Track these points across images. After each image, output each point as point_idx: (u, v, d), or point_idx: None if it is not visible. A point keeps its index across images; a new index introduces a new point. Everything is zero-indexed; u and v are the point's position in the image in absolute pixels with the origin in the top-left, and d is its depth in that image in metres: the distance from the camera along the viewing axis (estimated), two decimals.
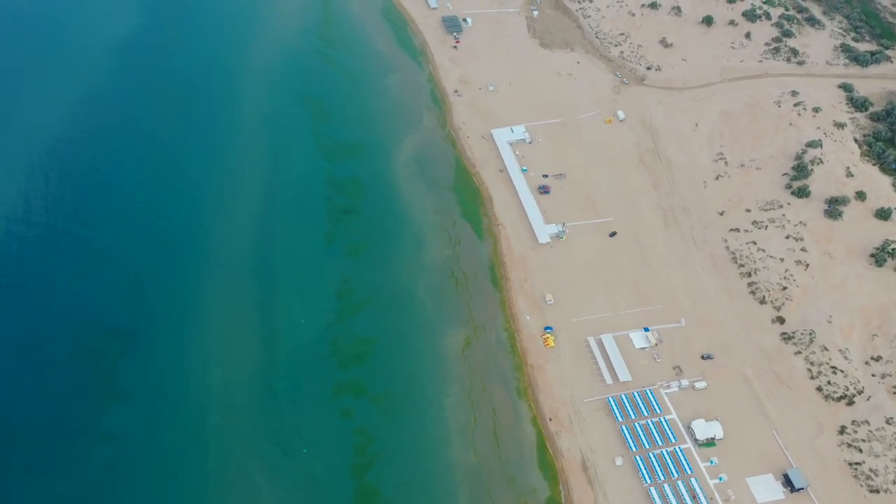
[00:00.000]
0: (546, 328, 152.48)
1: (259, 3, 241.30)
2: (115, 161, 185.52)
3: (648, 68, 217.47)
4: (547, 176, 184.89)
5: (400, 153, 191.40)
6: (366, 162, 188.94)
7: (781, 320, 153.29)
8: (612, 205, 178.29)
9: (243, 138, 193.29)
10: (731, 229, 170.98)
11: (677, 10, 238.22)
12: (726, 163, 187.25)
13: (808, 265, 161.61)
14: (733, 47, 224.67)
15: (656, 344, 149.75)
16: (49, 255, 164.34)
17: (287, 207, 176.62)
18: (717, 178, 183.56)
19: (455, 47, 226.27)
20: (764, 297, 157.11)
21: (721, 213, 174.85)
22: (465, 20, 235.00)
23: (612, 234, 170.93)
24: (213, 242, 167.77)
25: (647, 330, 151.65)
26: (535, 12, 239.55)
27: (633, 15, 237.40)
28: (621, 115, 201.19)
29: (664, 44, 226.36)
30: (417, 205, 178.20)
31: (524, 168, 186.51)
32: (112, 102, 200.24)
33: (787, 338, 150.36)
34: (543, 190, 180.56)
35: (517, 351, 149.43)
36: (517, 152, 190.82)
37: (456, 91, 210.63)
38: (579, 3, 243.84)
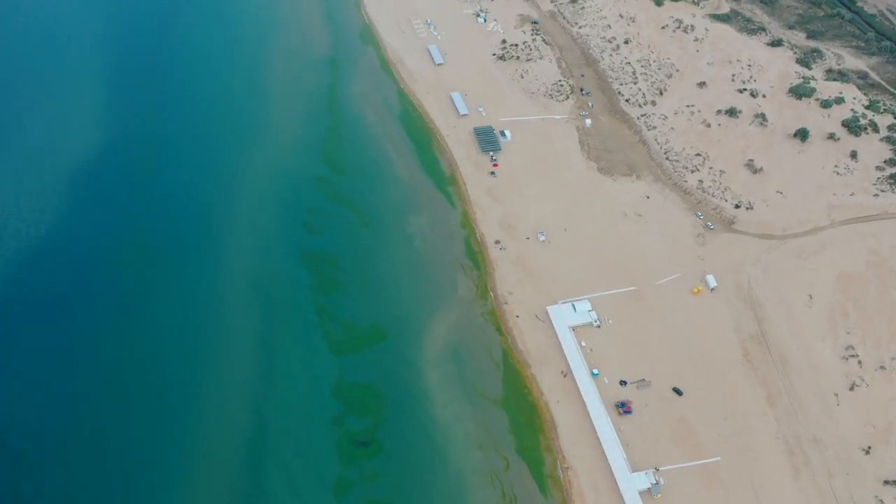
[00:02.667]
0: None
1: (250, 112, 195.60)
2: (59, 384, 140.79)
3: (737, 206, 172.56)
4: (625, 383, 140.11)
5: (430, 344, 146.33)
6: (386, 358, 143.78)
7: None
8: (717, 432, 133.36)
9: (223, 324, 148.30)
10: (886, 481, 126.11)
11: (761, 118, 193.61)
12: (860, 362, 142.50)
13: None
14: (838, 172, 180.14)
15: None
16: None
17: (283, 438, 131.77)
18: (851, 389, 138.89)
19: (492, 173, 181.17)
20: None
21: (867, 451, 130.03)
22: (502, 133, 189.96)
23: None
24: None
25: None
26: (588, 121, 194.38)
27: (709, 126, 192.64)
28: (712, 281, 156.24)
29: (752, 168, 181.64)
30: (456, 432, 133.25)
31: (595, 371, 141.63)
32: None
33: None
34: (623, 409, 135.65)
35: None
36: (583, 343, 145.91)
37: (497, 242, 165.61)
38: (640, 107, 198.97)
